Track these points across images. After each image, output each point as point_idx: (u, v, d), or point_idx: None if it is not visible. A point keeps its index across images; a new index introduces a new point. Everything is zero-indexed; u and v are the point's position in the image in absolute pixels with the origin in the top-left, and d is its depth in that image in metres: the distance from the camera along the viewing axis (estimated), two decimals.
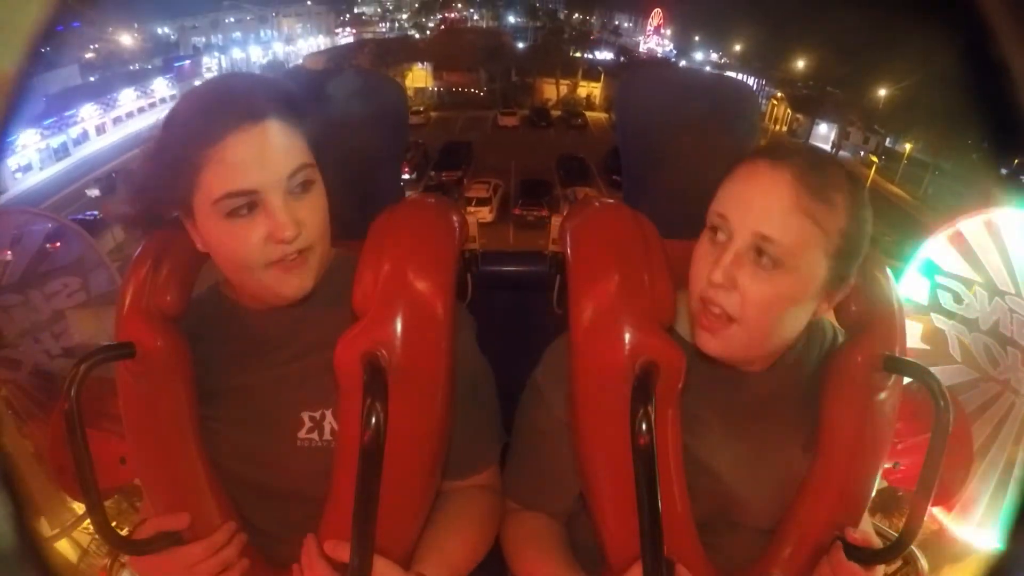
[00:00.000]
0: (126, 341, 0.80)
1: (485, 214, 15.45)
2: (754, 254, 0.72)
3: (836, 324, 0.89)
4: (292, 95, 0.79)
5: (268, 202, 0.74)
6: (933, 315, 1.58)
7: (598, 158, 18.81)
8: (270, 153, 0.74)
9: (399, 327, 0.75)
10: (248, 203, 0.74)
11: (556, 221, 1.02)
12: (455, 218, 0.88)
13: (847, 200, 0.72)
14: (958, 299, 1.56)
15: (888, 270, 0.86)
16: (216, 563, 0.80)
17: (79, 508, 1.57)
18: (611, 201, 0.94)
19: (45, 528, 1.51)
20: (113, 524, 0.78)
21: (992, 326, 1.53)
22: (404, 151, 1.16)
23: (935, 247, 1.59)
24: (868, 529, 0.87)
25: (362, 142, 0.98)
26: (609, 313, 0.78)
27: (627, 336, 0.77)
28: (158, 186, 0.77)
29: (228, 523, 0.83)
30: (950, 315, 1.57)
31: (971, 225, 1.56)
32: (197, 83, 0.82)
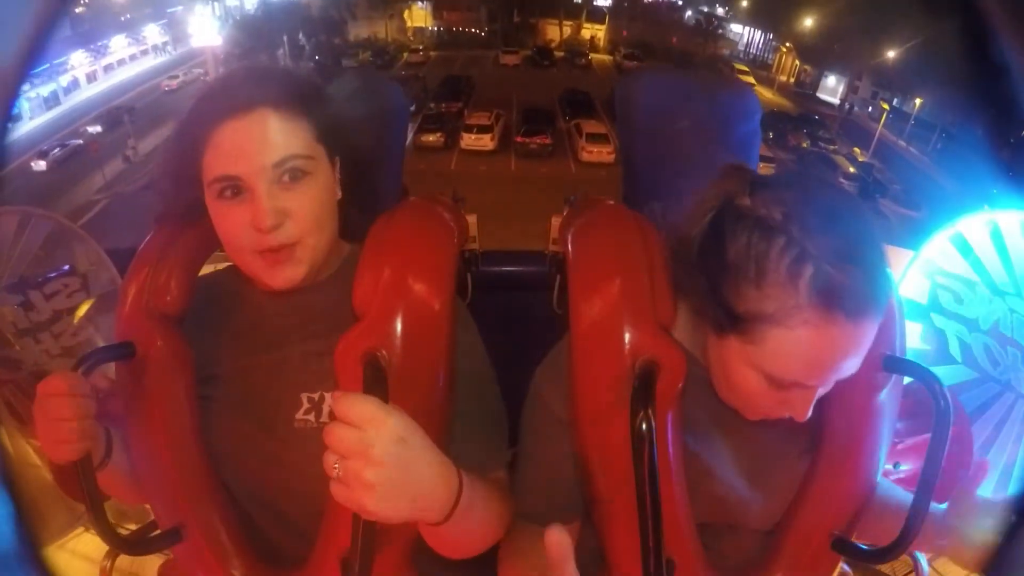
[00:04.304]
0: (126, 341, 0.80)
1: (487, 142, 15.12)
2: None
3: None
4: (301, 86, 0.82)
5: (252, 189, 0.76)
6: (933, 315, 1.58)
7: (601, 98, 18.51)
8: (256, 142, 0.77)
9: (399, 328, 0.76)
10: (232, 187, 0.77)
11: (556, 221, 1.03)
12: (454, 219, 0.88)
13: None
14: (958, 299, 1.56)
15: (888, 270, 0.86)
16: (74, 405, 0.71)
17: (79, 508, 1.57)
18: (611, 201, 0.94)
19: (45, 529, 1.51)
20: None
21: (992, 326, 1.53)
22: (404, 151, 1.16)
23: (935, 247, 1.59)
24: None
25: (362, 142, 0.98)
26: (609, 313, 0.78)
27: (627, 336, 0.77)
28: (178, 163, 0.81)
29: None
30: (950, 315, 1.57)
31: (971, 225, 1.56)
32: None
